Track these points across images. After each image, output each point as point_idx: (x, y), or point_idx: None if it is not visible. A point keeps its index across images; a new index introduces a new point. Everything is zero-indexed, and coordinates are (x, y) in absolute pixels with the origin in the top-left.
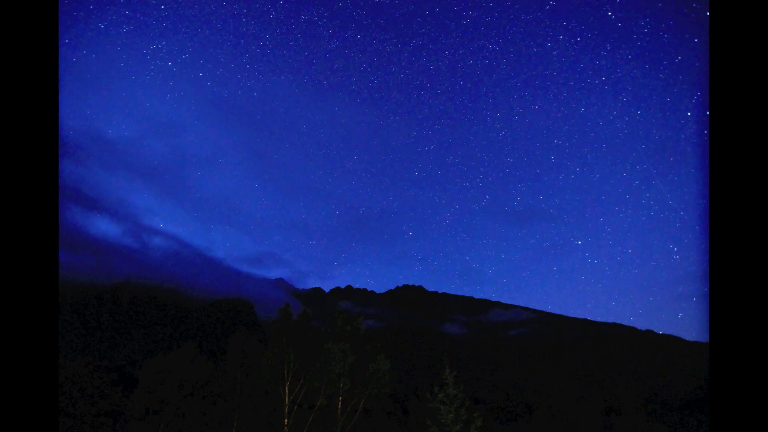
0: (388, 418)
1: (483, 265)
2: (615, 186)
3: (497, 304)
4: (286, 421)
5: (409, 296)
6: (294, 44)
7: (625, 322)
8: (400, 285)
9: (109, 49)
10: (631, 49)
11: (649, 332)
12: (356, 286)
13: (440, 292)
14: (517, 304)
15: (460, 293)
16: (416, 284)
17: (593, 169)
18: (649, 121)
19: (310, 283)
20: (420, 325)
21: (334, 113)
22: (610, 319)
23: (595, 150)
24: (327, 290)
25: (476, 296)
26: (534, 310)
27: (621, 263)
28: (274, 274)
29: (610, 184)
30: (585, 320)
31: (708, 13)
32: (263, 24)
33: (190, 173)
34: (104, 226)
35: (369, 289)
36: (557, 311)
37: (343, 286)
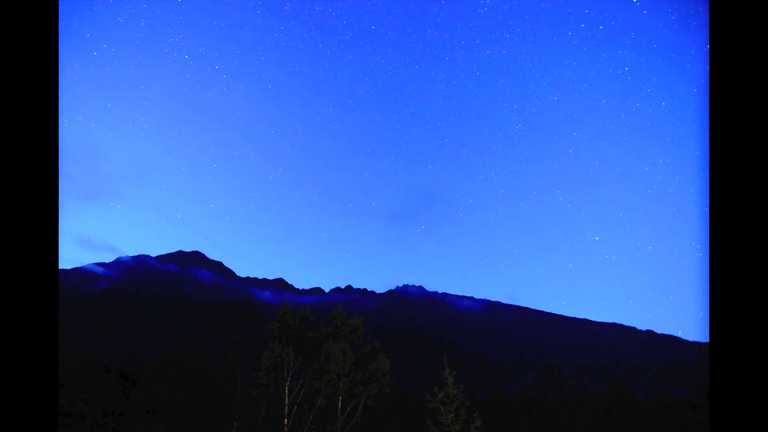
0: (387, 419)
1: (496, 261)
2: (636, 180)
3: (498, 304)
4: (286, 421)
5: (410, 296)
6: (308, 36)
7: (626, 322)
8: (401, 285)
9: (129, 42)
10: (656, 37)
11: (649, 332)
12: (356, 285)
13: (440, 291)
14: (518, 304)
15: (461, 293)
16: (416, 284)
17: (613, 163)
18: (674, 113)
19: (310, 283)
20: (420, 325)
21: (347, 105)
22: (612, 319)
23: (615, 143)
24: (327, 290)
25: (477, 296)
26: (535, 311)
27: (640, 260)
28: (273, 273)
29: (631, 179)
30: (585, 320)
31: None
32: (278, 16)
33: (199, 166)
34: (108, 218)
35: (369, 288)
36: (561, 311)
37: (343, 286)
